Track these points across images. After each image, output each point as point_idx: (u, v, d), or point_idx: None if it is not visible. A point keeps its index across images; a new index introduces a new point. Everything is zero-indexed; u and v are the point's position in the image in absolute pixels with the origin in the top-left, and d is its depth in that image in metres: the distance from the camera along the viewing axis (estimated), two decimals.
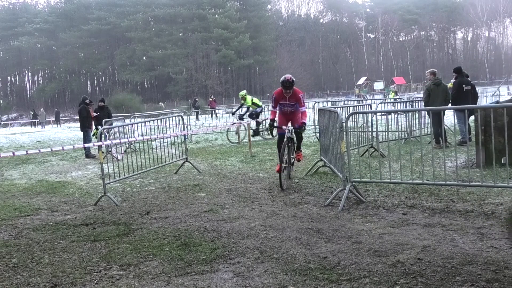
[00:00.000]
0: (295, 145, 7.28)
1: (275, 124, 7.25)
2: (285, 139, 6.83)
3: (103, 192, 6.62)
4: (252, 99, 14.42)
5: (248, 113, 14.20)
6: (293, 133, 7.09)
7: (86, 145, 10.18)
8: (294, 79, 6.78)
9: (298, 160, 7.66)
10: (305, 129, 7.19)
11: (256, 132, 14.07)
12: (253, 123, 13.93)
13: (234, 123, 13.66)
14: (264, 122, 14.28)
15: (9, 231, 5.33)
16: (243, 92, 14.63)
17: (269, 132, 13.52)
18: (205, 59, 77.77)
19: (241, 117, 14.02)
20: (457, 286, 3.13)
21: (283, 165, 6.73)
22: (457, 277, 3.26)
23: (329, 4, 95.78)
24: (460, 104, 9.10)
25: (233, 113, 14.44)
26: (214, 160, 10.46)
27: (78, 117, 13.73)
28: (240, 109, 14.82)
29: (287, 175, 7.05)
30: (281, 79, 6.79)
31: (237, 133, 13.91)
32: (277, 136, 7.83)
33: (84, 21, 78.97)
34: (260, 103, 14.83)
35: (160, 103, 54.77)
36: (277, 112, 7.26)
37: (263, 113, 15.17)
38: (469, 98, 9.78)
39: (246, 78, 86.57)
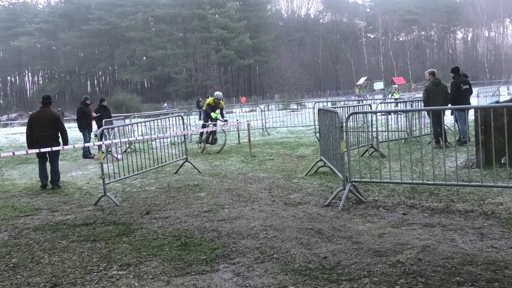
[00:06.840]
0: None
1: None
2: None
3: (103, 192, 6.62)
4: None
5: None
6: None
7: (87, 144, 10.18)
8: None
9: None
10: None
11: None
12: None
13: None
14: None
15: (9, 231, 5.33)
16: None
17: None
18: (205, 59, 77.68)
19: None
20: (457, 286, 3.13)
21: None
22: (457, 277, 3.26)
23: (329, 4, 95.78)
24: (459, 103, 9.11)
25: None
26: (214, 160, 10.45)
27: (77, 117, 13.61)
28: None
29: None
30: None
31: None
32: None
33: (84, 21, 78.92)
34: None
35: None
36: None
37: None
38: (468, 97, 9.82)
39: (246, 78, 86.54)
